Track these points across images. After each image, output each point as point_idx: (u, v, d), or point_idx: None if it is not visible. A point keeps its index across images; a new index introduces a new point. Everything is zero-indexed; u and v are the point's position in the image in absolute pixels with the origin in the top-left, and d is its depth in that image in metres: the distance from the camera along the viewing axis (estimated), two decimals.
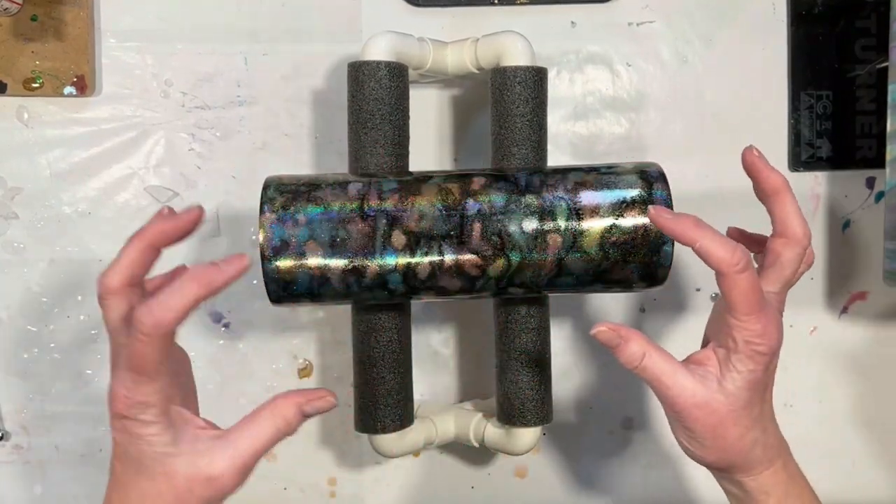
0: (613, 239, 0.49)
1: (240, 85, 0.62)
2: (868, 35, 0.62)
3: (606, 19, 0.62)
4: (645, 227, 0.48)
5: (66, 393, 0.63)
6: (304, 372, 0.64)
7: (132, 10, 0.62)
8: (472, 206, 0.48)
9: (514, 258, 0.49)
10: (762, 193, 0.48)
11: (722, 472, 0.45)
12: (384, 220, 0.48)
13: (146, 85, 0.62)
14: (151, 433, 0.39)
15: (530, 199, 0.49)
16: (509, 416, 0.55)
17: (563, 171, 0.50)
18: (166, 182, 0.62)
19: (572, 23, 0.63)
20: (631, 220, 0.49)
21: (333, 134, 0.62)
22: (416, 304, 0.63)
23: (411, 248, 0.48)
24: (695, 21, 0.63)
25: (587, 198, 0.49)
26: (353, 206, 0.48)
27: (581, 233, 0.49)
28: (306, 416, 0.41)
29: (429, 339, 0.64)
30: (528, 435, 0.55)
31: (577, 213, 0.49)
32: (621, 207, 0.49)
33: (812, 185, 0.63)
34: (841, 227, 0.64)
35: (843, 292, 0.64)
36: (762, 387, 0.44)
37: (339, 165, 0.62)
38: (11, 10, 0.58)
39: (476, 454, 0.64)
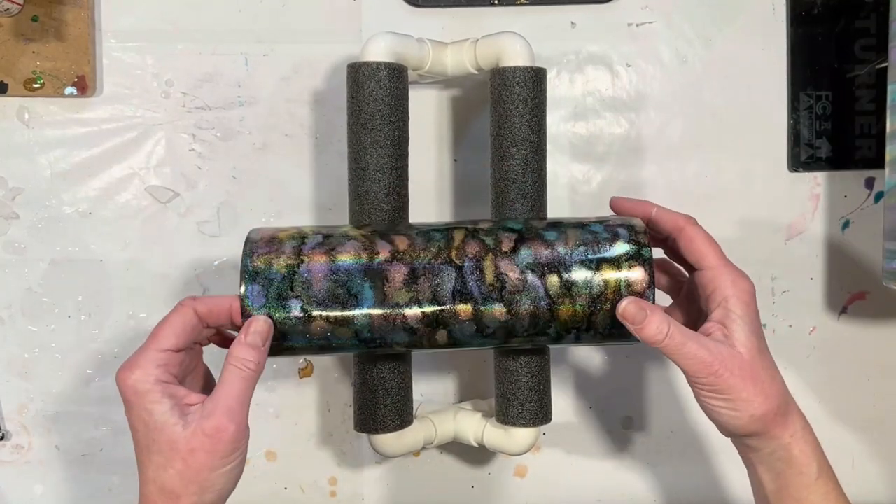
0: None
1: (240, 85, 0.62)
2: (868, 35, 0.62)
3: (606, 19, 0.62)
4: None
5: (66, 393, 0.63)
6: (305, 371, 0.64)
7: (133, 11, 0.62)
8: None
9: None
10: (668, 234, 0.51)
11: (768, 428, 0.46)
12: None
13: (147, 85, 0.62)
14: (155, 406, 0.43)
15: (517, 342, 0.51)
16: (508, 416, 0.55)
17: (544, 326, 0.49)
18: (167, 182, 0.63)
19: (572, 23, 0.63)
20: None
21: (333, 134, 0.63)
22: None
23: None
24: (695, 21, 0.63)
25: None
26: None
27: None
28: (256, 348, 0.45)
29: None
30: (527, 435, 0.55)
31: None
32: None
33: (811, 186, 0.63)
34: (840, 228, 0.64)
35: (842, 292, 0.64)
36: (760, 331, 0.47)
37: (338, 165, 0.62)
38: (12, 11, 0.58)
39: (476, 454, 0.64)
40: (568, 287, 0.48)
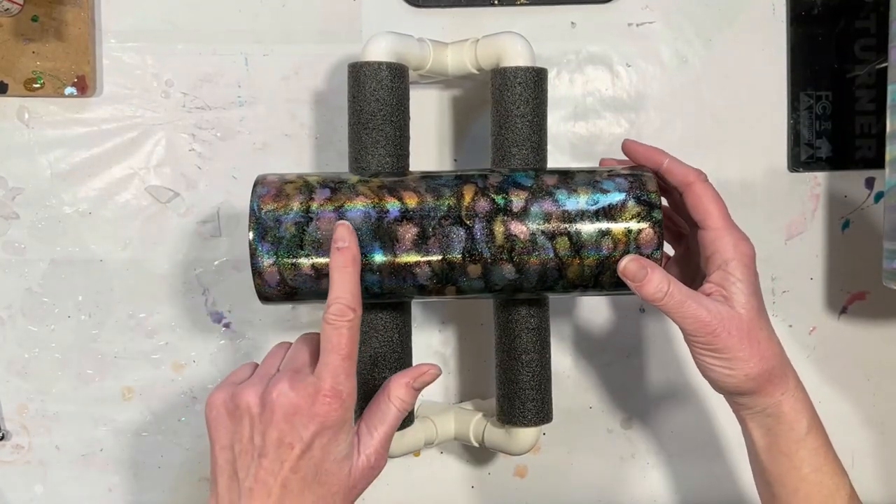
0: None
1: (240, 85, 0.62)
2: (868, 35, 0.62)
3: (606, 20, 0.63)
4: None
5: (66, 393, 0.63)
6: None
7: (133, 11, 0.62)
8: None
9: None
10: (676, 187, 0.50)
11: (761, 387, 0.46)
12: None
13: (147, 85, 0.62)
14: (344, 437, 0.44)
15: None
16: (509, 415, 0.55)
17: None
18: (167, 182, 0.63)
19: (572, 23, 0.63)
20: None
21: (334, 134, 0.63)
22: (416, 305, 0.63)
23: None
24: (695, 21, 0.63)
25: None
26: None
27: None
28: (418, 391, 0.48)
29: (429, 339, 0.64)
30: (527, 435, 0.55)
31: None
32: None
33: (811, 186, 0.63)
34: (841, 227, 0.64)
35: (842, 292, 0.64)
36: (759, 293, 0.47)
37: (339, 166, 0.62)
38: (12, 11, 0.58)
39: (476, 454, 0.64)
40: (577, 248, 0.49)
